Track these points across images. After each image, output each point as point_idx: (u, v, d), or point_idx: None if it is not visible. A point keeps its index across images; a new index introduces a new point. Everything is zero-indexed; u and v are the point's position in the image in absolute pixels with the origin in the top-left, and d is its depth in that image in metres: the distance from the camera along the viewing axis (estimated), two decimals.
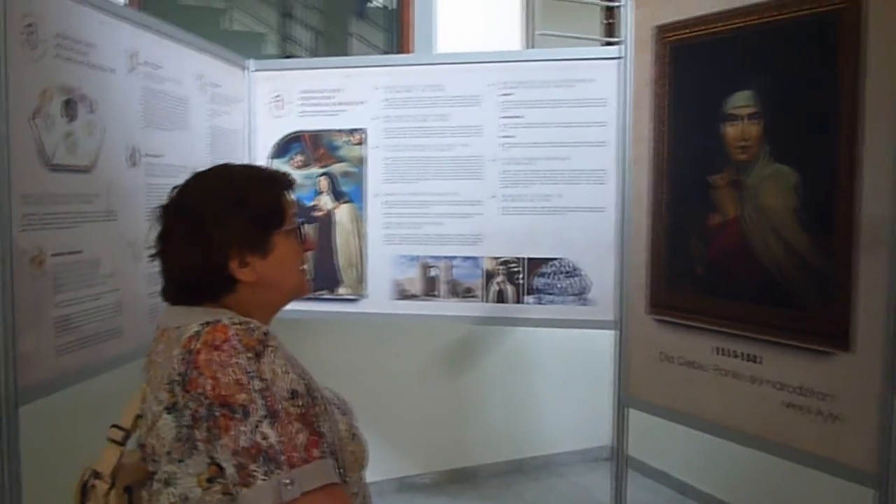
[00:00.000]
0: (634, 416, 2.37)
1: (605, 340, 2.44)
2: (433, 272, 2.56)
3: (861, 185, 1.73)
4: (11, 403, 1.49)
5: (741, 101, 2.00)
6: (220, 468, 1.00)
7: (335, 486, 0.99)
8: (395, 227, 2.57)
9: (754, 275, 1.98)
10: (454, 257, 2.54)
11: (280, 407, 0.98)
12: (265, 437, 0.96)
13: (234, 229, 1.11)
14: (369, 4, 5.77)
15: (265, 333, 1.04)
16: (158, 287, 1.84)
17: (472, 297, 2.54)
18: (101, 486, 1.14)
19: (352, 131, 2.59)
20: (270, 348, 1.02)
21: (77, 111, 1.70)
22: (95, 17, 1.77)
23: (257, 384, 0.98)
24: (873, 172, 1.71)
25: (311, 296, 2.59)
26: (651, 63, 2.24)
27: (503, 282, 2.51)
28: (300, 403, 1.01)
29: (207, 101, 2.34)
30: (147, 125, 2.00)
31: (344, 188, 2.60)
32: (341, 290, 2.63)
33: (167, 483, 1.05)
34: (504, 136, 2.48)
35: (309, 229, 1.23)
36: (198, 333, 1.02)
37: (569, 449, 3.61)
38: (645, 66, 2.26)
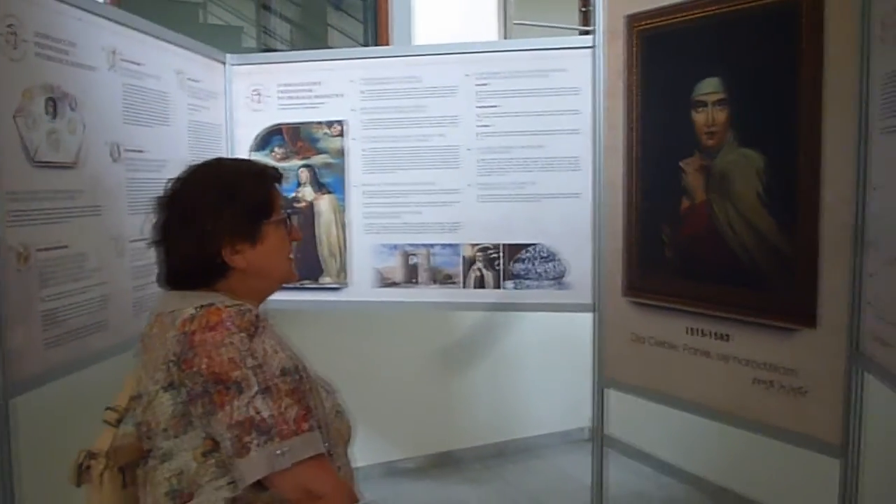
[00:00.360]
0: (616, 399, 2.44)
1: (585, 325, 2.50)
2: (413, 260, 2.61)
3: (822, 168, 1.80)
4: (2, 396, 1.53)
5: (708, 88, 2.05)
6: (215, 442, 1.07)
7: (322, 457, 1.08)
8: (375, 216, 2.62)
9: (722, 256, 2.04)
10: (433, 245, 2.59)
11: (272, 383, 1.06)
12: (258, 411, 1.03)
13: (227, 220, 1.18)
14: None
15: (257, 316, 1.11)
16: (143, 281, 1.89)
17: (452, 283, 2.59)
18: (97, 466, 1.20)
19: (331, 123, 2.63)
20: (262, 329, 1.10)
21: (59, 109, 1.73)
22: (75, 16, 1.79)
23: (250, 362, 1.05)
24: (834, 156, 1.77)
25: (294, 285, 2.63)
26: (623, 52, 2.29)
27: (482, 268, 2.57)
28: (290, 380, 1.08)
29: (187, 96, 2.37)
30: (128, 121, 2.03)
31: (324, 179, 2.65)
32: (324, 280, 2.67)
33: (164, 459, 1.11)
34: (480, 126, 2.53)
35: (295, 220, 1.30)
36: (193, 316, 1.08)
37: (550, 431, 3.69)
38: (617, 55, 2.31)
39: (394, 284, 2.63)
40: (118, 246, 1.98)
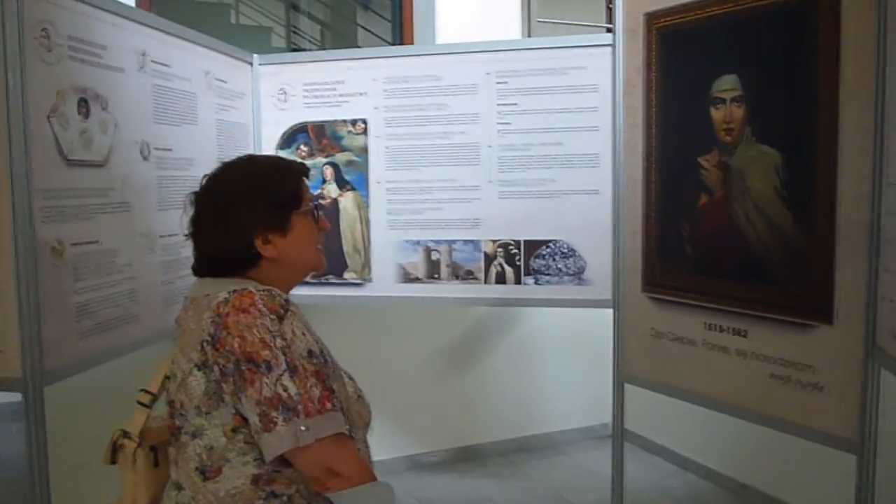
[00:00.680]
0: (639, 395, 2.45)
1: (607, 321, 2.52)
2: (435, 256, 2.66)
3: (839, 164, 1.80)
4: (38, 384, 1.61)
5: (726, 85, 2.06)
6: (244, 419, 1.14)
7: (344, 435, 1.14)
8: (397, 212, 2.67)
9: (740, 252, 2.05)
10: (455, 241, 2.64)
11: (299, 363, 1.12)
12: (285, 389, 1.10)
13: (258, 211, 1.25)
14: None
15: (286, 300, 1.18)
16: (172, 276, 1.97)
17: (473, 279, 2.63)
18: (130, 445, 1.28)
19: (354, 121, 2.68)
20: (290, 313, 1.16)
21: (91, 109, 1.80)
22: (106, 20, 1.87)
23: (279, 343, 1.12)
24: (851, 152, 1.77)
25: (318, 281, 2.70)
26: (641, 49, 2.30)
27: (503, 263, 2.60)
28: (315, 362, 1.15)
29: (215, 96, 2.44)
30: (157, 121, 2.10)
31: (348, 177, 2.70)
32: (347, 275, 2.73)
33: (194, 435, 1.18)
34: (500, 123, 2.56)
35: (322, 212, 1.36)
36: (227, 299, 1.15)
37: (572, 427, 3.71)
38: (636, 53, 2.32)
39: (416, 280, 2.68)
40: (148, 242, 2.05)
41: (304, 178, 1.35)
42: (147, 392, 1.32)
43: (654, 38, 2.27)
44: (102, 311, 1.84)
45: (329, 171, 2.71)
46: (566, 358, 3.63)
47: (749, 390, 2.06)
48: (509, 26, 3.55)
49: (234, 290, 1.16)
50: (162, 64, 2.12)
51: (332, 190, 2.72)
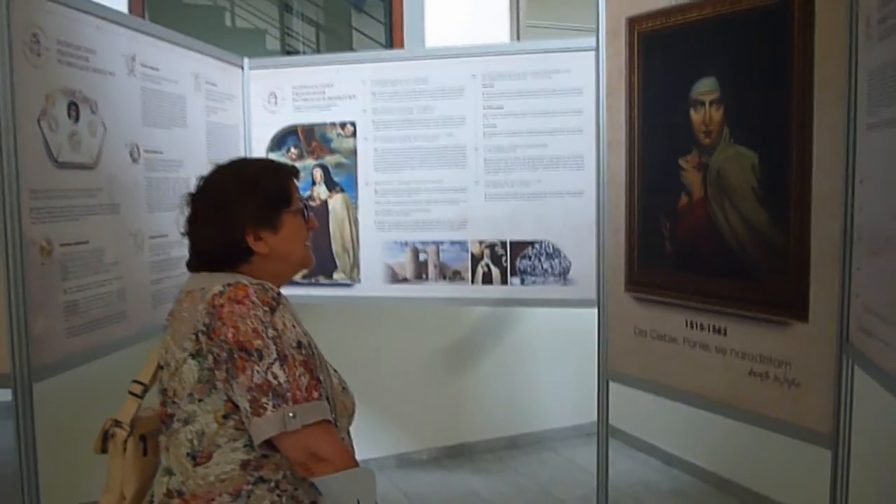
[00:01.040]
0: (626, 393, 2.49)
1: (594, 321, 2.55)
2: (423, 256, 2.69)
3: (813, 164, 1.84)
4: (26, 380, 1.64)
5: (705, 87, 2.10)
6: (235, 406, 1.19)
7: (329, 423, 1.19)
8: (385, 214, 2.71)
9: (719, 251, 2.09)
10: (442, 242, 2.67)
11: (288, 353, 1.18)
12: (275, 377, 1.15)
13: (250, 209, 1.31)
14: None
15: (278, 293, 1.24)
16: (161, 275, 2.01)
17: (460, 279, 2.67)
18: (121, 434, 1.35)
19: (343, 124, 2.72)
20: (282, 305, 1.22)
21: (80, 112, 1.84)
22: (94, 24, 1.90)
23: (270, 332, 1.18)
24: (824, 151, 1.81)
25: (308, 281, 2.74)
26: (624, 53, 2.34)
27: (489, 264, 2.64)
28: (304, 353, 1.21)
29: (204, 98, 2.47)
30: (146, 123, 2.14)
31: (337, 178, 2.74)
32: (336, 276, 2.76)
33: (186, 422, 1.23)
34: (486, 126, 2.60)
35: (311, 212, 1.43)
36: (222, 291, 1.21)
37: (561, 425, 3.75)
38: (618, 56, 2.36)
39: (404, 280, 2.72)
40: (137, 241, 2.09)
41: (294, 179, 1.40)
42: (139, 383, 1.37)
43: (636, 41, 2.31)
44: (91, 310, 1.88)
45: (318, 173, 2.75)
46: (556, 357, 3.67)
47: (729, 387, 2.09)
48: (499, 29, 3.59)
49: (229, 284, 1.21)
50: (151, 67, 2.16)
51: (321, 192, 2.76)
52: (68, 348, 1.80)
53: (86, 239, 1.86)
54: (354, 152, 2.72)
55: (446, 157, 2.64)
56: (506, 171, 2.59)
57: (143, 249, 2.11)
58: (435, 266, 2.69)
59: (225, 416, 1.20)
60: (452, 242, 2.66)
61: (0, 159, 1.59)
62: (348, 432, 1.36)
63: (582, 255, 2.54)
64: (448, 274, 2.68)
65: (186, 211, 1.34)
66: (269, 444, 1.18)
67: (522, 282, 2.62)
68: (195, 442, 1.21)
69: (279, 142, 2.78)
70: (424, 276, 2.70)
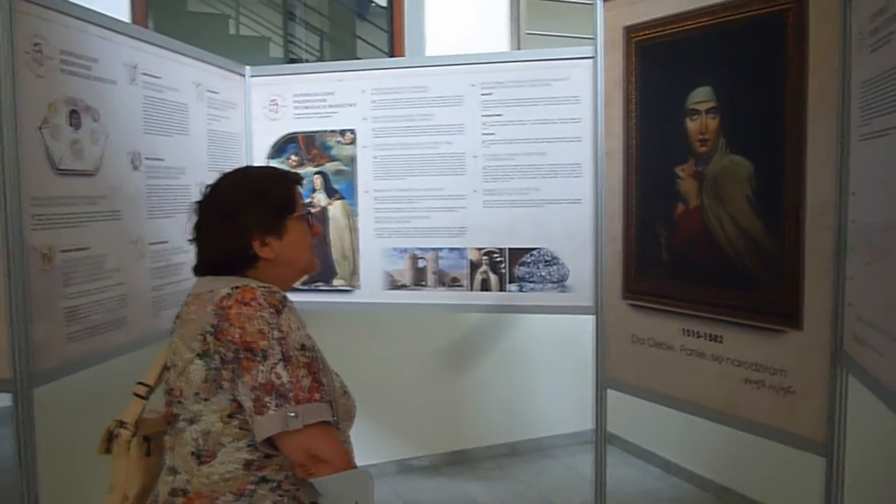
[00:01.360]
0: (625, 400, 2.50)
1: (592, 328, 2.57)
2: (421, 263, 2.71)
3: (807, 174, 1.85)
4: (27, 385, 1.66)
5: (700, 97, 2.12)
6: (240, 406, 1.21)
7: (330, 425, 1.22)
8: (384, 221, 2.73)
9: (714, 260, 2.10)
10: (441, 249, 2.69)
11: (292, 354, 1.20)
12: (279, 377, 1.18)
13: (256, 215, 1.34)
14: (372, 4, 5.89)
15: (284, 296, 1.27)
16: (162, 281, 2.03)
17: (459, 286, 2.68)
18: (125, 434, 1.37)
19: (343, 132, 2.74)
20: (287, 308, 1.25)
21: (82, 120, 1.87)
22: (97, 34, 1.93)
23: (276, 334, 1.20)
24: (817, 161, 1.83)
25: (309, 287, 2.76)
26: (621, 62, 2.36)
27: (487, 271, 2.66)
28: (307, 355, 1.23)
29: (206, 106, 2.50)
30: (148, 131, 2.16)
31: (336, 186, 2.76)
32: (336, 282, 2.78)
33: (192, 421, 1.25)
34: (485, 134, 2.62)
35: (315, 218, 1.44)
36: (230, 294, 1.24)
37: (561, 432, 3.75)
38: (616, 65, 2.38)
39: (403, 287, 2.73)
40: (138, 248, 2.11)
41: (298, 186, 1.44)
42: (144, 384, 1.40)
43: (633, 50, 2.33)
44: (91, 316, 1.90)
45: (318, 181, 2.77)
46: (556, 364, 3.68)
47: (724, 394, 2.11)
48: (498, 38, 3.61)
49: (237, 286, 1.24)
50: (153, 76, 2.18)
51: (321, 199, 2.78)
52: (69, 354, 1.82)
53: (87, 245, 1.89)
54: (354, 160, 2.74)
55: (445, 164, 2.66)
56: (504, 178, 2.61)
57: (143, 256, 2.13)
58: (434, 273, 2.70)
59: (230, 416, 1.22)
60: (451, 249, 2.68)
61: (2, 166, 1.61)
62: (348, 435, 1.37)
63: (580, 262, 2.56)
64: (446, 281, 2.70)
65: (194, 218, 1.37)
66: (272, 444, 1.20)
67: (521, 289, 2.63)
68: (200, 441, 1.24)
69: (280, 149, 2.80)
70: (423, 282, 2.72)
